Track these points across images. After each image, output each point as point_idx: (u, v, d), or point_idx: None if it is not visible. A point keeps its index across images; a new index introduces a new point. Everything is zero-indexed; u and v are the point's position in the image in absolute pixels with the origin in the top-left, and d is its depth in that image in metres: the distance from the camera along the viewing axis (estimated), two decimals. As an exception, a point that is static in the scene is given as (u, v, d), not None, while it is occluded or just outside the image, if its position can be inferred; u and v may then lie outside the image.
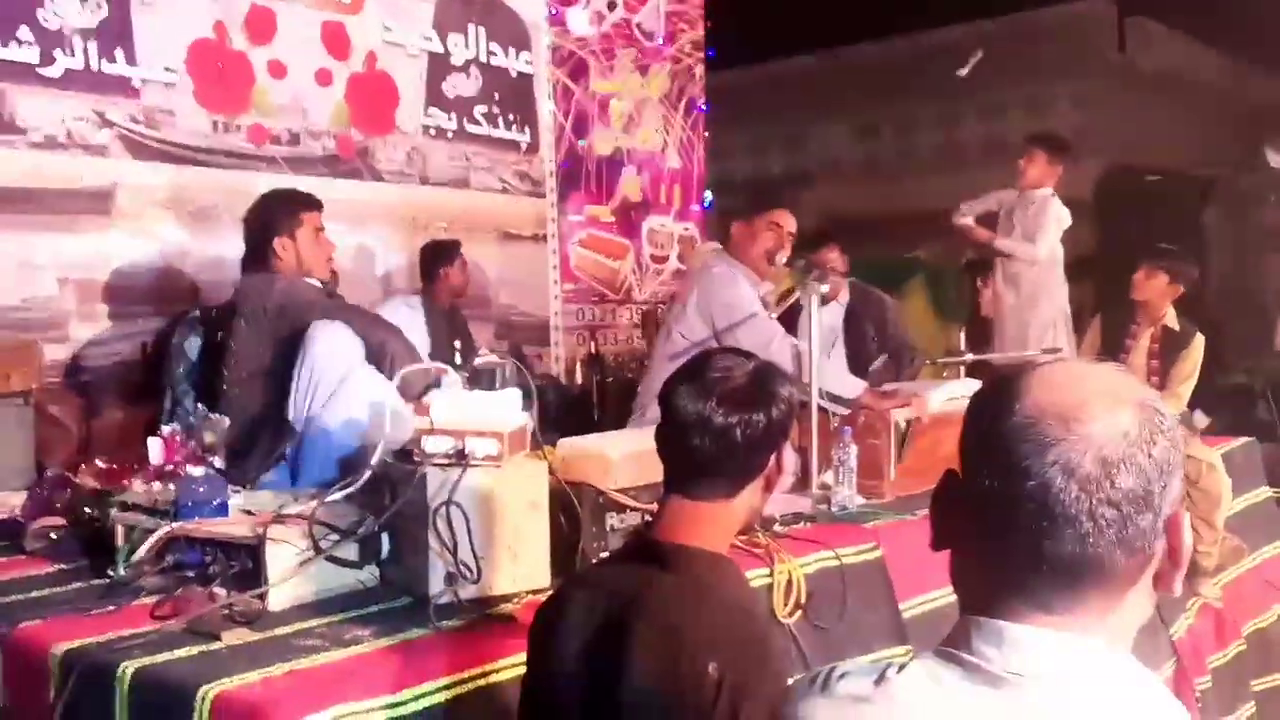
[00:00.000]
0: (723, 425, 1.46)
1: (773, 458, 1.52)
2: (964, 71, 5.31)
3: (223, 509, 2.25)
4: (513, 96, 5.78)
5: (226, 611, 1.96)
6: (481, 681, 1.81)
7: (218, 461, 2.47)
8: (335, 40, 4.98)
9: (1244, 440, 4.47)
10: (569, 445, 2.40)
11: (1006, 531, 0.87)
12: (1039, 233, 5.09)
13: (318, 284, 3.08)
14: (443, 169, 5.46)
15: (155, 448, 2.44)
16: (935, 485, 0.96)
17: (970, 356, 4.22)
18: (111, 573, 2.19)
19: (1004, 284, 5.26)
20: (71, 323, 4.11)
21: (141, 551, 2.17)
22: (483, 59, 5.63)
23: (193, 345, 3.15)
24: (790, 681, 1.30)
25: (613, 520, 2.27)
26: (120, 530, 2.24)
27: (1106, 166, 10.60)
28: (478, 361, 2.22)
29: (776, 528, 2.59)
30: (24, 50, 4.00)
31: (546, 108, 5.98)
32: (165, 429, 2.51)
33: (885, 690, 0.89)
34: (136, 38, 4.29)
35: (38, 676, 1.85)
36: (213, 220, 4.45)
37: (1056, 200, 5.16)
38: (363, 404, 2.58)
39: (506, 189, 5.78)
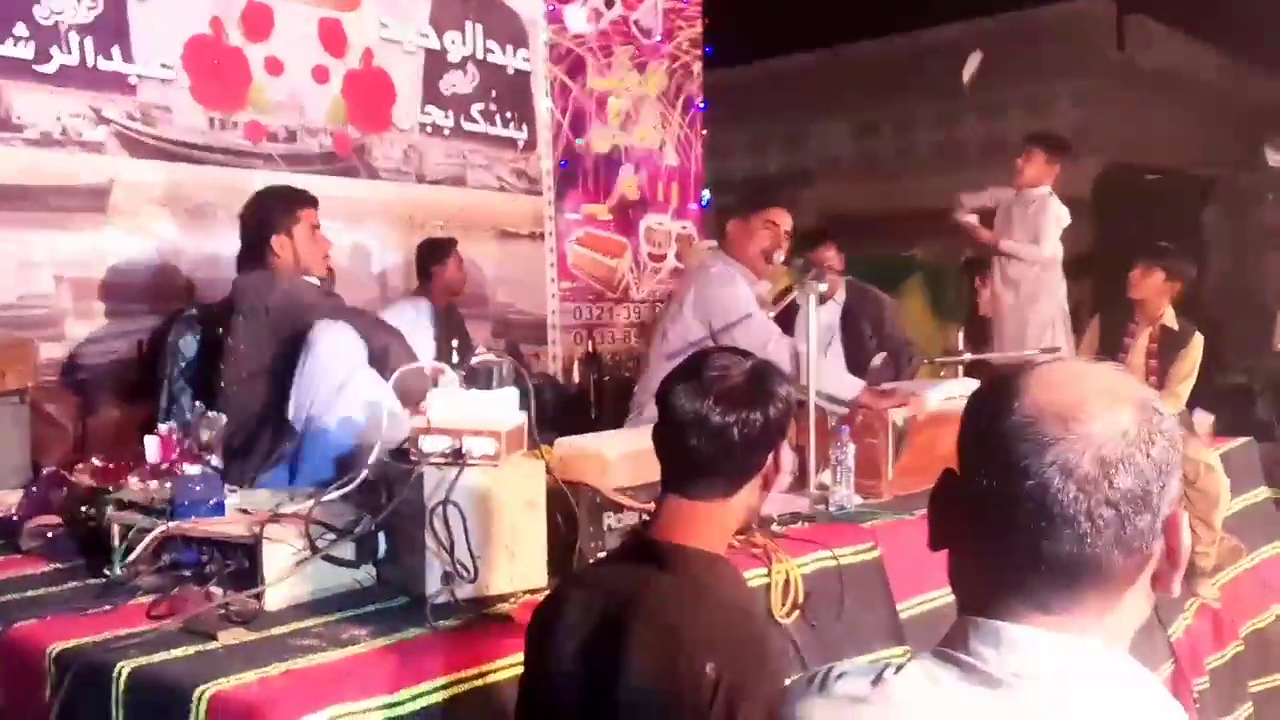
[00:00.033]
0: (720, 424, 1.45)
1: (770, 457, 1.52)
2: (967, 77, 5.30)
3: (219, 508, 2.25)
4: (510, 94, 5.78)
5: (223, 611, 1.96)
6: (479, 681, 1.81)
7: (215, 460, 2.46)
8: (332, 37, 4.98)
9: (1242, 440, 4.48)
10: (566, 444, 2.40)
11: (1004, 531, 0.87)
12: (1041, 232, 5.09)
13: (316, 282, 3.07)
14: (440, 167, 5.46)
15: (152, 445, 2.43)
16: (933, 485, 0.96)
17: (968, 356, 4.22)
18: (107, 572, 2.19)
19: (1002, 283, 5.26)
20: (68, 321, 4.10)
21: (138, 551, 2.16)
22: (480, 56, 5.62)
23: (189, 343, 3.15)
24: (787, 682, 1.30)
25: (610, 520, 2.27)
26: (116, 529, 2.23)
27: (1106, 165, 10.60)
28: (475, 360, 2.21)
29: (774, 527, 2.59)
30: (20, 46, 3.99)
31: (544, 105, 5.97)
32: (162, 427, 2.50)
33: (882, 691, 0.89)
34: (133, 34, 4.28)
35: (33, 676, 1.85)
36: (209, 218, 4.44)
37: (1055, 199, 5.16)
38: (364, 406, 2.58)
39: (504, 187, 5.77)
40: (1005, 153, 5.42)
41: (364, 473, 2.23)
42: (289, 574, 2.06)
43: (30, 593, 2.19)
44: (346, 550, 2.14)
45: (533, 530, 2.14)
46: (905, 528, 2.70)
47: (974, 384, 2.72)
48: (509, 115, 5.76)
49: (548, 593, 1.67)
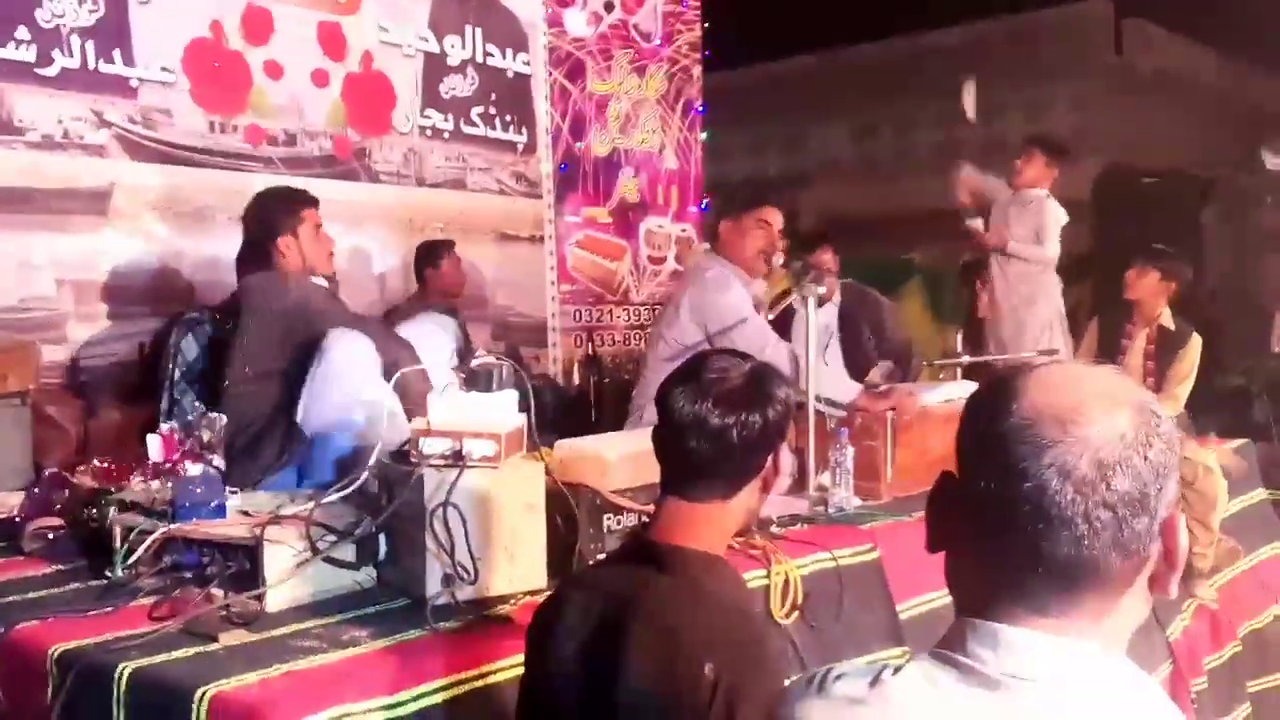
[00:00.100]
0: (719, 426, 1.46)
1: (769, 459, 1.52)
2: (971, 111, 5.31)
3: (220, 510, 2.25)
4: (509, 97, 5.78)
5: (224, 613, 1.97)
6: (479, 683, 1.81)
7: (217, 460, 2.47)
8: (331, 40, 4.98)
9: (1240, 442, 4.48)
10: (566, 446, 2.41)
11: (1002, 533, 0.87)
12: (1044, 233, 5.11)
13: (324, 283, 3.08)
14: (439, 170, 5.46)
15: (154, 445, 2.44)
16: (931, 487, 0.97)
17: (967, 358, 4.23)
18: (109, 574, 2.19)
19: (1000, 285, 5.26)
20: (69, 323, 4.11)
21: (139, 553, 2.17)
22: (479, 59, 5.63)
23: (189, 345, 3.15)
24: (786, 683, 1.30)
25: (609, 521, 2.27)
26: (118, 531, 2.24)
27: (1104, 167, 10.62)
28: (475, 363, 2.22)
29: (773, 529, 2.60)
30: (21, 49, 4.00)
31: (543, 109, 5.98)
32: (164, 426, 2.51)
33: (880, 692, 0.89)
34: (134, 37, 4.29)
35: (35, 677, 1.85)
36: (209, 221, 4.45)
37: (1053, 200, 5.18)
38: (368, 409, 2.57)
39: (503, 190, 5.77)
40: (1004, 154, 5.44)
41: (364, 474, 2.23)
42: (290, 576, 2.06)
43: (32, 594, 2.19)
44: (347, 552, 2.15)
45: (532, 532, 2.14)
46: (904, 529, 2.70)
47: (972, 386, 2.73)
48: (509, 118, 5.76)
49: (548, 594, 1.67)
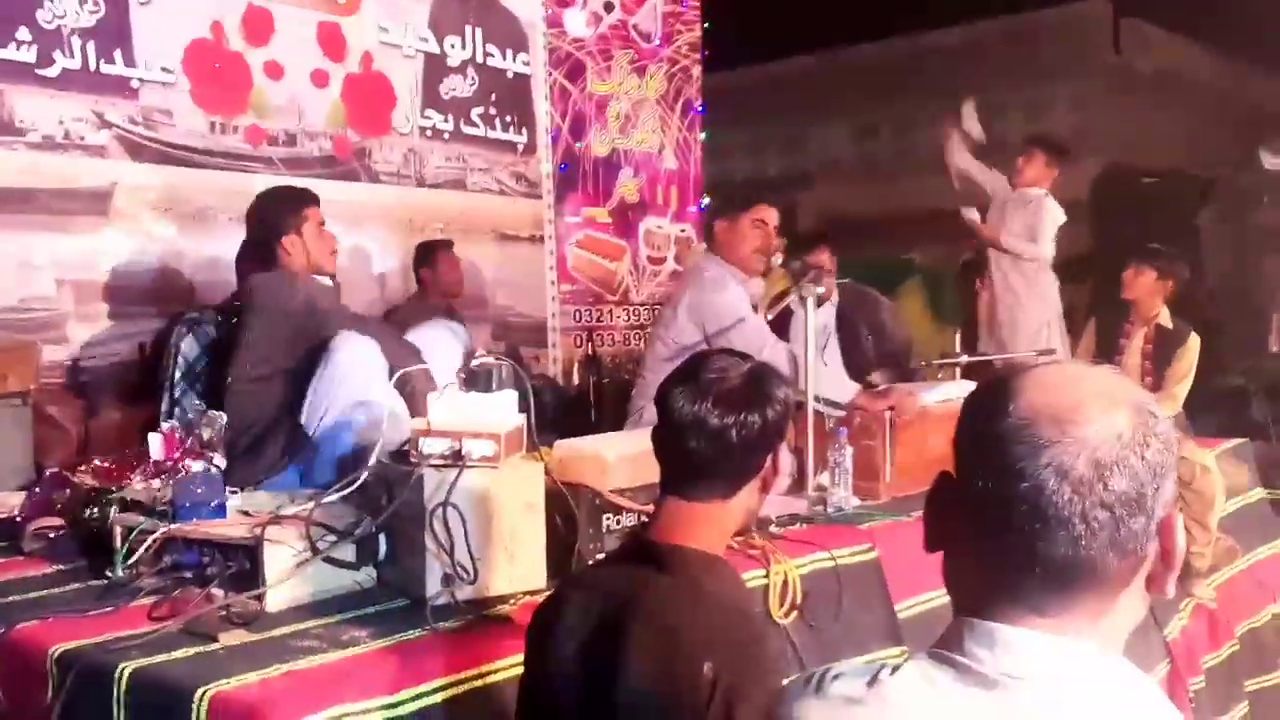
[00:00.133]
0: (718, 426, 1.46)
1: (769, 459, 1.53)
2: (975, 131, 5.33)
3: (220, 510, 2.25)
4: (509, 98, 5.78)
5: (224, 613, 1.97)
6: (478, 683, 1.82)
7: (218, 458, 2.47)
8: (331, 41, 4.98)
9: (1237, 441, 4.49)
10: (566, 446, 2.41)
11: (999, 533, 0.88)
12: (1038, 231, 5.11)
13: (329, 283, 3.09)
14: (439, 170, 5.46)
15: (156, 443, 2.44)
16: (930, 486, 0.97)
17: (966, 358, 4.23)
18: (109, 574, 2.20)
19: (999, 285, 5.27)
20: (69, 323, 4.11)
21: (139, 553, 2.17)
22: (479, 60, 5.63)
23: (190, 345, 3.15)
24: (784, 682, 1.31)
25: (609, 521, 2.28)
26: (118, 531, 2.24)
27: (1104, 167, 10.62)
28: (474, 363, 2.22)
29: (772, 529, 2.60)
30: (22, 50, 4.00)
31: (543, 109, 5.98)
32: (165, 425, 2.51)
33: (878, 692, 0.90)
34: (135, 38, 4.29)
35: (35, 677, 1.86)
36: (210, 221, 4.45)
37: (1051, 199, 5.18)
38: (369, 409, 2.58)
39: (503, 190, 5.78)
40: (1004, 154, 5.44)
41: (364, 474, 2.24)
42: (290, 575, 2.06)
43: (32, 594, 2.20)
44: (347, 552, 2.15)
45: (532, 532, 2.15)
46: (903, 529, 2.71)
47: (971, 386, 2.73)
48: (509, 119, 5.77)
49: (547, 594, 1.68)
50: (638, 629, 1.39)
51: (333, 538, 2.13)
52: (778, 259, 3.50)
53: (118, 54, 4.24)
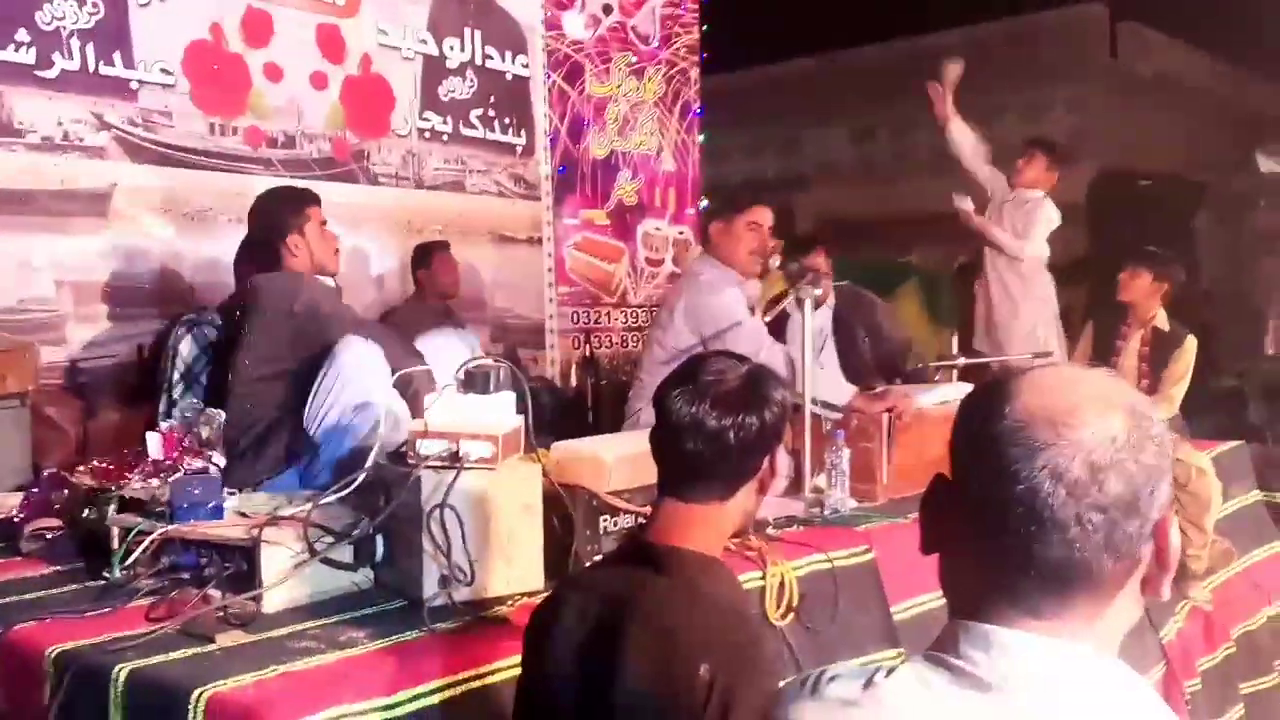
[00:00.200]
0: (716, 428, 1.47)
1: (766, 460, 1.53)
2: (955, 76, 5.35)
3: (218, 511, 2.25)
4: (508, 100, 5.79)
5: (221, 614, 1.97)
6: (476, 684, 1.82)
7: (217, 456, 2.47)
8: (330, 43, 4.99)
9: (1234, 444, 4.50)
10: (563, 448, 2.41)
11: (995, 535, 0.88)
12: (1028, 230, 5.12)
13: (332, 283, 3.09)
14: (438, 172, 5.47)
15: (154, 442, 2.44)
16: (925, 489, 0.97)
17: (962, 360, 4.24)
18: (106, 574, 2.20)
19: (994, 286, 5.28)
20: (68, 324, 4.11)
21: (137, 554, 2.17)
22: (478, 62, 5.64)
23: (188, 347, 3.15)
24: (780, 684, 1.31)
25: (606, 523, 2.28)
26: (116, 532, 2.24)
27: (1100, 170, 10.64)
28: (472, 364, 2.23)
29: (769, 530, 2.60)
30: (22, 52, 4.00)
31: (542, 111, 5.99)
32: (163, 424, 2.51)
33: (873, 694, 0.90)
34: (134, 40, 4.29)
35: (32, 678, 1.86)
36: (209, 222, 4.46)
37: (1049, 202, 5.19)
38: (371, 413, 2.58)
39: (502, 192, 5.78)
40: (1001, 157, 5.45)
41: (361, 476, 2.24)
42: (287, 577, 2.06)
43: (30, 595, 2.20)
44: (344, 553, 2.15)
45: (529, 533, 2.15)
46: (899, 531, 2.71)
47: (967, 388, 2.73)
48: (507, 121, 5.77)
49: (545, 595, 1.68)
50: (635, 630, 1.40)
51: (330, 539, 2.13)
52: (775, 261, 3.50)
53: (117, 55, 4.25)
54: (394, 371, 2.70)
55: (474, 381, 2.18)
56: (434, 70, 5.44)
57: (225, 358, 2.94)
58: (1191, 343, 4.57)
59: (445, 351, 2.89)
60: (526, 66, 5.90)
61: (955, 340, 5.37)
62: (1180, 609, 3.67)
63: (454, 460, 2.06)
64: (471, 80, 5.61)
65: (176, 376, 3.10)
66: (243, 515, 2.28)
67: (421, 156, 5.38)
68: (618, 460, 2.31)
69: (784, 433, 1.58)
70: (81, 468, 2.69)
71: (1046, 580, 0.87)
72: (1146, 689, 0.91)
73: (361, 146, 5.12)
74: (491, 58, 5.71)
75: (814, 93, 15.07)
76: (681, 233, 6.81)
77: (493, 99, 5.70)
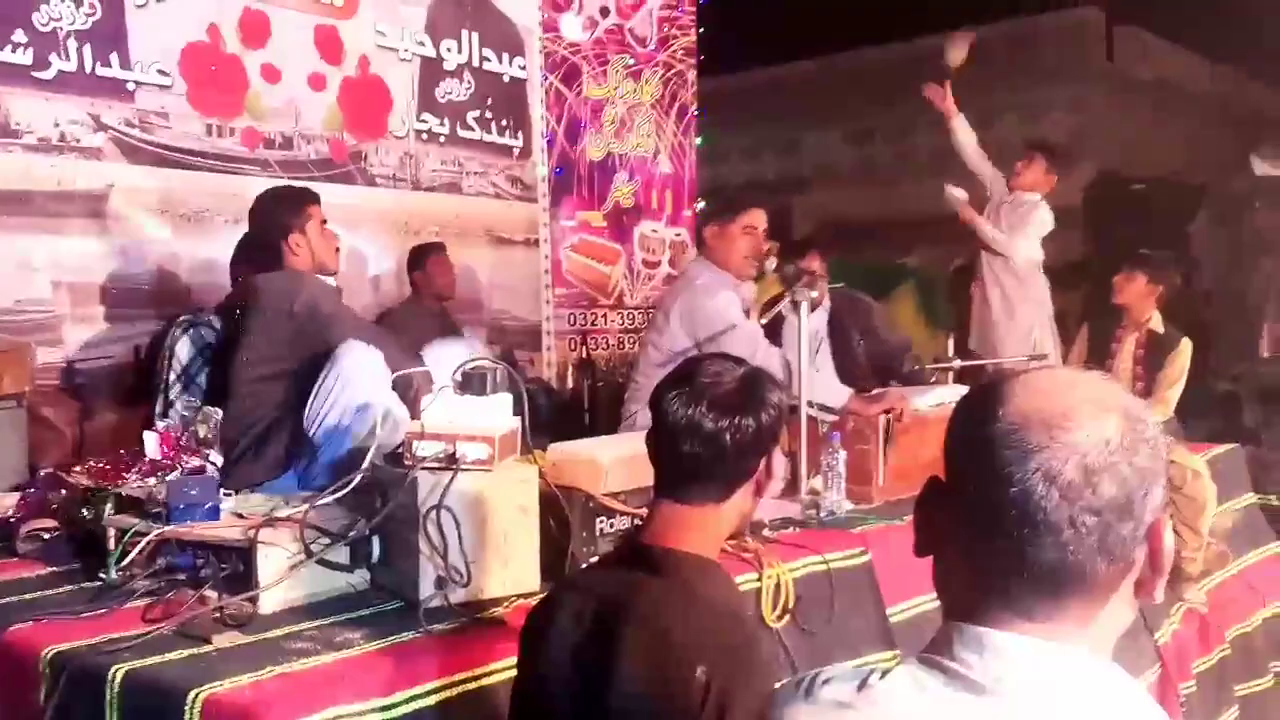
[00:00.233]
0: (713, 430, 1.47)
1: (762, 463, 1.54)
2: (957, 59, 5.35)
3: (214, 512, 2.26)
4: (505, 102, 5.79)
5: (217, 615, 1.97)
6: (472, 685, 1.82)
7: (214, 455, 2.47)
8: (328, 44, 4.98)
9: (1229, 446, 4.51)
10: (559, 450, 2.41)
11: (988, 538, 0.88)
12: (1022, 231, 5.13)
13: (333, 283, 3.10)
14: (435, 174, 5.46)
15: (151, 441, 2.44)
16: (919, 491, 0.98)
17: (959, 362, 4.24)
18: (103, 575, 2.20)
19: (990, 288, 5.28)
20: (65, 325, 4.10)
21: (133, 554, 2.17)
22: (475, 64, 5.64)
23: (185, 348, 3.15)
24: (775, 686, 1.31)
25: (602, 525, 2.28)
26: (112, 533, 2.24)
27: (1097, 173, 10.65)
28: (469, 366, 2.23)
29: (765, 532, 2.61)
30: (19, 53, 3.99)
31: (539, 113, 5.99)
32: (161, 424, 2.51)
33: (867, 696, 0.90)
34: (131, 41, 4.29)
35: (28, 679, 1.86)
36: (206, 223, 4.45)
37: (1045, 205, 5.20)
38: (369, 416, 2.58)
39: (499, 194, 5.78)
40: (999, 159, 5.46)
41: (358, 477, 2.24)
42: (283, 578, 2.07)
43: (25, 596, 2.20)
44: (341, 554, 2.15)
45: (526, 535, 2.15)
46: (895, 533, 2.71)
47: (963, 390, 2.74)
48: (504, 123, 5.77)
49: (541, 597, 1.68)
50: (631, 632, 1.40)
51: (327, 540, 2.13)
52: (771, 263, 3.50)
53: (114, 56, 4.24)
54: (393, 373, 2.70)
55: (470, 383, 2.18)
56: (431, 72, 5.44)
57: (224, 358, 2.94)
58: (1186, 345, 4.59)
59: (452, 359, 2.88)
60: (524, 68, 5.89)
61: (951, 342, 5.38)
62: (1175, 611, 3.68)
63: (450, 462, 2.06)
64: (469, 82, 5.60)
65: (173, 377, 3.10)
66: (239, 516, 2.28)
67: (419, 158, 5.37)
68: (614, 462, 2.31)
69: (780, 435, 1.58)
70: (78, 468, 2.69)
71: (1040, 583, 0.87)
72: (1140, 691, 0.91)
73: (359, 148, 5.11)
74: (489, 59, 5.71)
75: (813, 95, 15.08)
76: (678, 235, 6.82)
77: (490, 101, 5.70)
